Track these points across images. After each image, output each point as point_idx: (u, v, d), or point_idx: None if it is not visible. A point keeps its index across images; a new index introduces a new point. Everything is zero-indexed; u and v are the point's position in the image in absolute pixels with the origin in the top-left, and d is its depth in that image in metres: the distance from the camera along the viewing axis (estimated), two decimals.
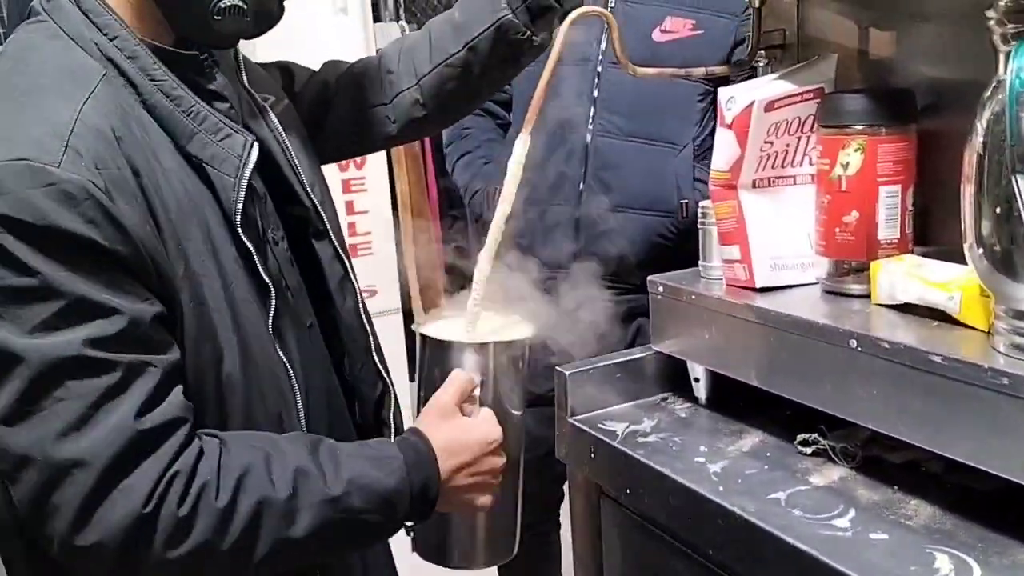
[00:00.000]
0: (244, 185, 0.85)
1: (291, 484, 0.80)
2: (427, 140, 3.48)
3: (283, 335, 0.90)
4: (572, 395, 1.14)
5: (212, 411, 0.83)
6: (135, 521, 0.73)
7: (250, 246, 0.86)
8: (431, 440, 0.90)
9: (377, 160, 2.83)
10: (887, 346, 0.85)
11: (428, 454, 0.89)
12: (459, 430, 0.93)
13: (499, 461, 0.95)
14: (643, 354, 1.19)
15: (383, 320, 2.77)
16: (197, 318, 0.81)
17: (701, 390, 1.15)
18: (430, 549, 1.04)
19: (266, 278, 0.87)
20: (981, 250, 0.78)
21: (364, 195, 2.78)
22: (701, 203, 1.13)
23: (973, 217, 0.78)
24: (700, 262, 1.14)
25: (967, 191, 0.79)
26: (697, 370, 1.15)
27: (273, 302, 0.88)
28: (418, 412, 0.98)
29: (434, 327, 1.02)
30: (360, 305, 1.04)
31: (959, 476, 0.89)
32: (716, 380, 1.14)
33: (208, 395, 0.82)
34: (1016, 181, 0.69)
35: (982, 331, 0.84)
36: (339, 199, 2.78)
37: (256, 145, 0.87)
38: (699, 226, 1.13)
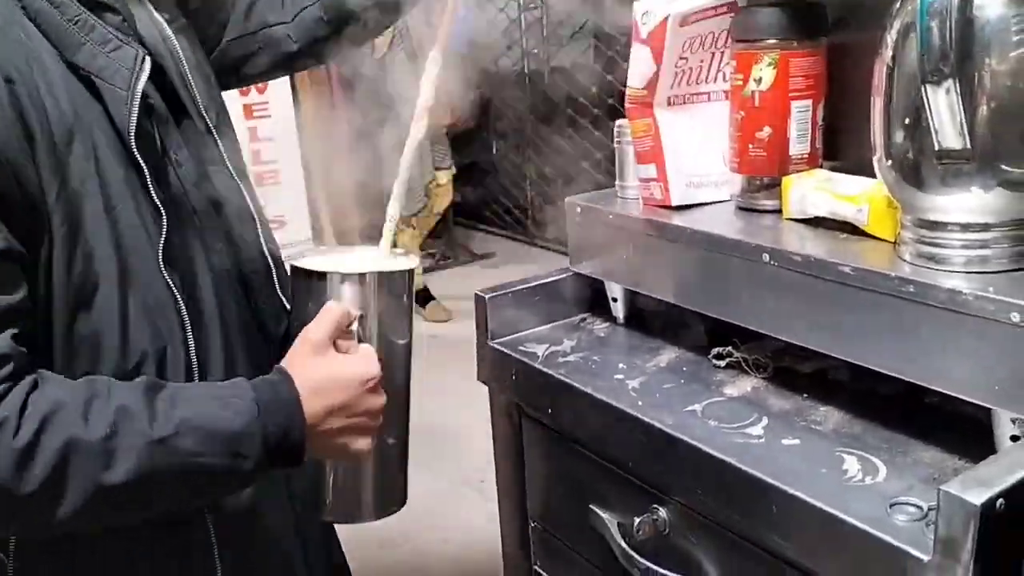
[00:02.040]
0: (137, 99, 0.80)
1: (109, 424, 0.72)
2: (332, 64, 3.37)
3: (179, 260, 0.85)
4: (492, 318, 1.14)
5: (85, 345, 0.78)
6: None
7: (144, 165, 0.81)
8: (297, 379, 0.82)
9: (281, 84, 2.73)
10: (798, 259, 0.87)
11: (290, 394, 0.81)
12: (331, 368, 0.83)
13: (377, 401, 0.86)
14: (561, 276, 1.19)
15: (293, 251, 2.70)
16: (70, 243, 0.76)
17: (619, 309, 1.16)
18: (308, 503, 0.96)
19: (158, 201, 0.82)
20: (890, 161, 0.80)
21: (267, 121, 2.69)
22: (618, 122, 1.12)
23: (883, 129, 0.80)
24: (617, 182, 1.14)
25: (877, 103, 0.80)
26: (615, 290, 1.15)
27: (165, 226, 0.82)
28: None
29: (309, 260, 0.93)
30: (261, 238, 0.99)
31: (865, 382, 0.93)
32: (633, 299, 1.15)
33: (81, 328, 0.77)
34: (925, 91, 0.70)
35: (889, 242, 0.87)
36: (241, 126, 2.68)
37: (148, 59, 0.82)
38: (615, 144, 1.13)
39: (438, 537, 2.42)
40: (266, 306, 0.98)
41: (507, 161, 4.98)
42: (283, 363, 0.85)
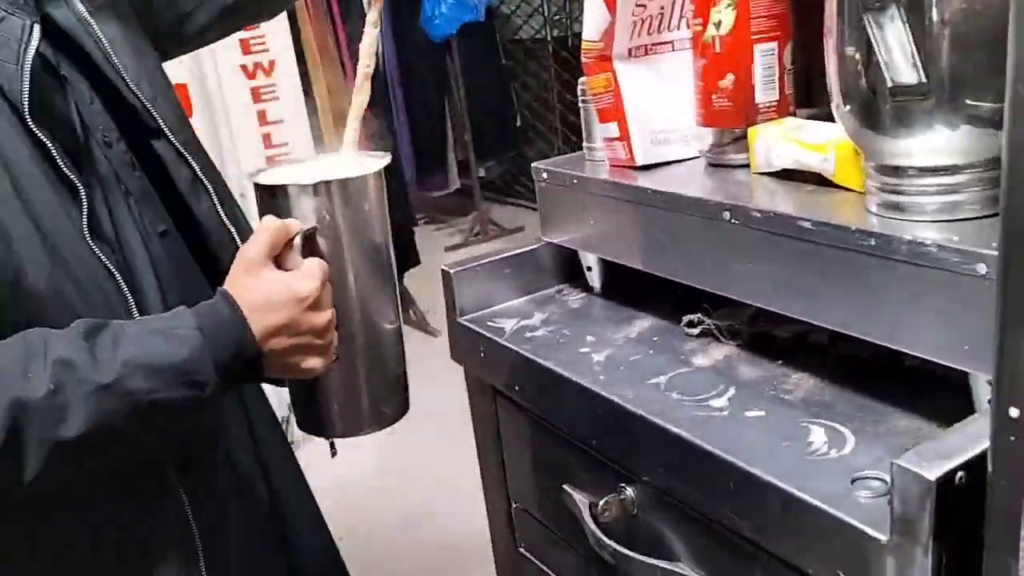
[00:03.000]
0: (27, 71, 0.77)
1: (51, 379, 0.70)
2: (343, 40, 3.33)
3: (108, 237, 0.82)
4: (459, 294, 1.09)
5: (19, 331, 0.74)
6: None
7: (47, 141, 0.77)
8: (239, 300, 0.79)
9: (287, 65, 2.70)
10: (758, 215, 0.80)
11: (232, 315, 0.78)
12: (266, 287, 0.80)
13: (319, 319, 0.82)
14: (533, 247, 1.14)
15: None
16: None
17: (595, 279, 1.11)
18: (307, 421, 0.94)
19: (71, 175, 0.79)
20: (848, 106, 0.73)
21: (276, 103, 2.66)
22: (580, 79, 1.06)
23: (837, 71, 0.72)
24: (584, 143, 1.08)
25: (829, 43, 0.72)
26: (588, 258, 1.10)
27: (84, 200, 0.79)
28: None
29: (269, 174, 0.88)
30: (217, 206, 0.96)
31: (845, 347, 0.86)
32: (609, 267, 1.09)
33: (10, 313, 0.74)
34: (869, 20, 0.63)
35: (859, 192, 0.79)
36: (250, 110, 2.66)
37: (37, 27, 0.79)
38: (580, 104, 1.07)
39: (461, 516, 2.40)
40: None
41: (534, 132, 4.90)
42: (226, 283, 0.82)
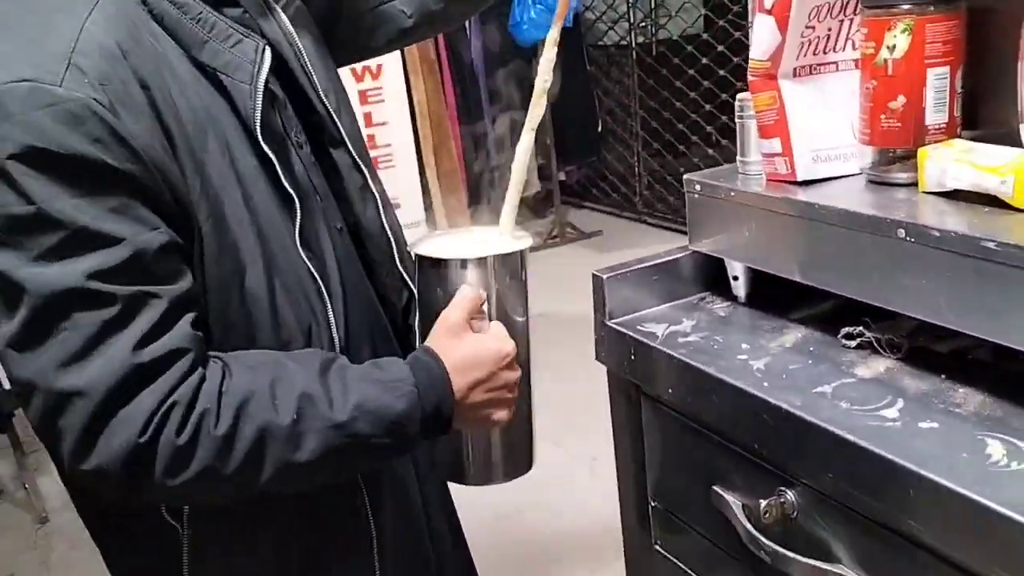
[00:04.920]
0: (260, 91, 0.83)
1: (295, 409, 0.79)
2: (443, 45, 3.41)
3: (312, 242, 0.89)
4: (610, 298, 1.14)
5: (239, 326, 0.83)
6: (133, 450, 0.73)
7: (271, 155, 0.84)
8: (444, 359, 0.88)
9: (394, 69, 2.78)
10: (937, 234, 0.83)
11: (441, 374, 0.87)
12: (471, 346, 0.89)
13: (514, 375, 0.93)
14: (680, 255, 1.17)
15: (406, 233, 2.76)
16: (217, 234, 0.80)
17: (740, 288, 1.14)
18: (446, 467, 1.04)
19: (289, 187, 0.86)
20: None
21: (382, 106, 2.75)
22: (739, 96, 1.09)
23: None
24: (738, 158, 1.12)
25: (1021, 68, 0.75)
26: (736, 268, 1.13)
27: (298, 212, 0.86)
28: (421, 334, 0.96)
29: (430, 246, 0.99)
30: (381, 213, 1.02)
31: (1009, 363, 0.88)
32: (755, 277, 1.12)
33: (233, 311, 0.82)
34: None
35: None
36: (357, 111, 2.74)
37: (268, 49, 0.85)
38: (737, 120, 1.10)
39: (551, 512, 2.45)
40: (388, 280, 1.02)
41: (614, 137, 4.92)
42: (428, 343, 0.90)
